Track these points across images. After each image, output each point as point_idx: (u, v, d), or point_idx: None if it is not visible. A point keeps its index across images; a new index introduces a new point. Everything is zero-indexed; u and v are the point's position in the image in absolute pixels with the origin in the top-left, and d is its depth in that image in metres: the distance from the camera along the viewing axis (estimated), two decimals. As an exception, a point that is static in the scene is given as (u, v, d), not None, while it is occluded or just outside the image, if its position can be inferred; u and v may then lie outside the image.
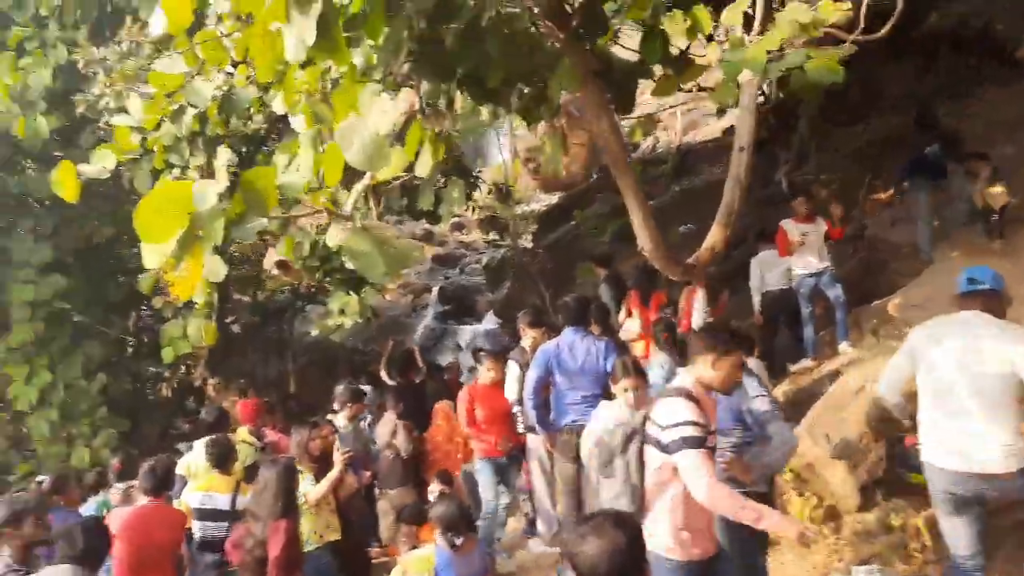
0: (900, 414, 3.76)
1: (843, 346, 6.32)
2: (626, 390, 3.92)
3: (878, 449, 4.65)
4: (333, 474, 4.59)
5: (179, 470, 5.31)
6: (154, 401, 10.89)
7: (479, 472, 5.61)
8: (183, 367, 10.57)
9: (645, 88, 3.79)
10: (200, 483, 4.82)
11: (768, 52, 2.99)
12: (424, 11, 2.17)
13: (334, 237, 3.18)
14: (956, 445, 3.24)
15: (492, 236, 15.25)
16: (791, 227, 6.54)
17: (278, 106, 3.74)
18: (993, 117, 8.09)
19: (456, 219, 17.62)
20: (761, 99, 4.43)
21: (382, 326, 13.83)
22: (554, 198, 18.31)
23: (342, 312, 8.70)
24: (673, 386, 2.98)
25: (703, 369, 2.93)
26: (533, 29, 2.86)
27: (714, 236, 3.75)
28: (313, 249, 7.47)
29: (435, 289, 16.97)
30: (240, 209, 1.92)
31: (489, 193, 13.32)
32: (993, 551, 3.69)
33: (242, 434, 5.68)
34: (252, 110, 5.69)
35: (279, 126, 7.45)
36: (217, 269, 2.39)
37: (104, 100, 5.63)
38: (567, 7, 2.89)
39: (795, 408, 5.48)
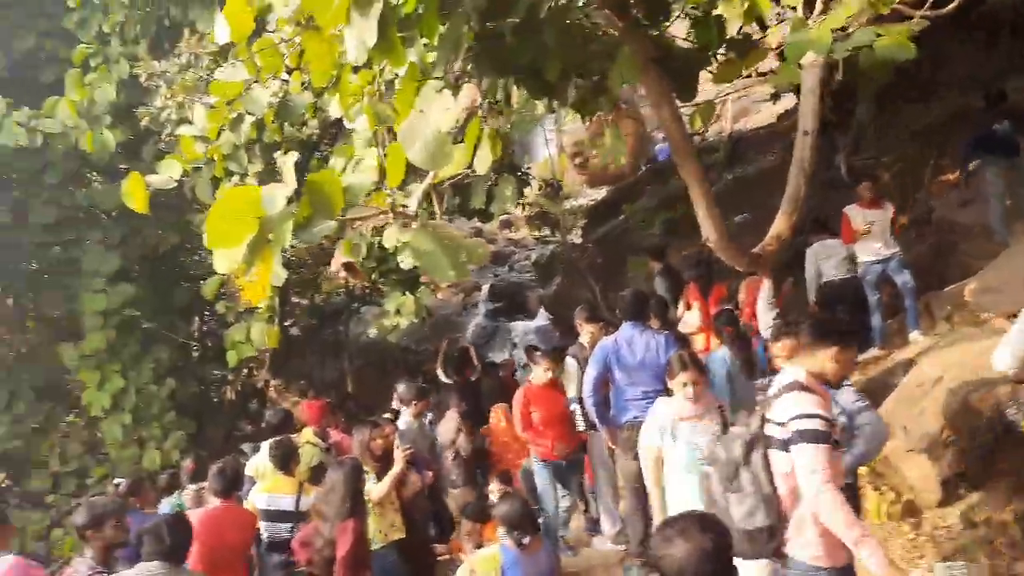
0: None
1: (914, 334, 6.07)
2: (684, 384, 3.82)
3: (960, 441, 4.44)
4: (394, 471, 4.62)
5: (248, 471, 5.43)
6: (218, 404, 11.21)
7: (537, 474, 5.56)
8: (246, 370, 10.84)
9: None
10: (265, 484, 4.90)
11: (832, 31, 2.87)
12: (480, 6, 2.15)
13: (392, 237, 3.19)
14: None
15: (541, 232, 15.22)
16: (855, 213, 6.31)
17: (334, 110, 3.78)
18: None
19: (504, 216, 17.63)
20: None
21: (434, 325, 13.95)
22: (602, 192, 18.19)
23: (398, 312, 8.78)
24: (784, 382, 2.84)
25: (822, 361, 2.79)
26: (588, 19, 2.81)
27: (780, 224, 3.64)
28: (370, 251, 7.55)
29: (485, 287, 17.01)
30: (307, 212, 1.93)
31: (540, 189, 13.30)
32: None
33: (307, 435, 5.76)
34: (307, 116, 5.78)
35: (332, 131, 7.56)
36: (279, 273, 2.42)
37: (166, 112, 5.80)
38: (627, -6, 2.81)
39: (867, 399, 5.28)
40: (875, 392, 5.38)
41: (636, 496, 4.88)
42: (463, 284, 17.38)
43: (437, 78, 2.29)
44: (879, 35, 2.88)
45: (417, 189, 2.43)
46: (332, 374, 13.17)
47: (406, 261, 4.31)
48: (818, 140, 3.72)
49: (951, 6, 3.01)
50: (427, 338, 14.70)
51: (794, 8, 3.14)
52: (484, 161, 2.81)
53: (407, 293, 8.78)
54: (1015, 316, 4.94)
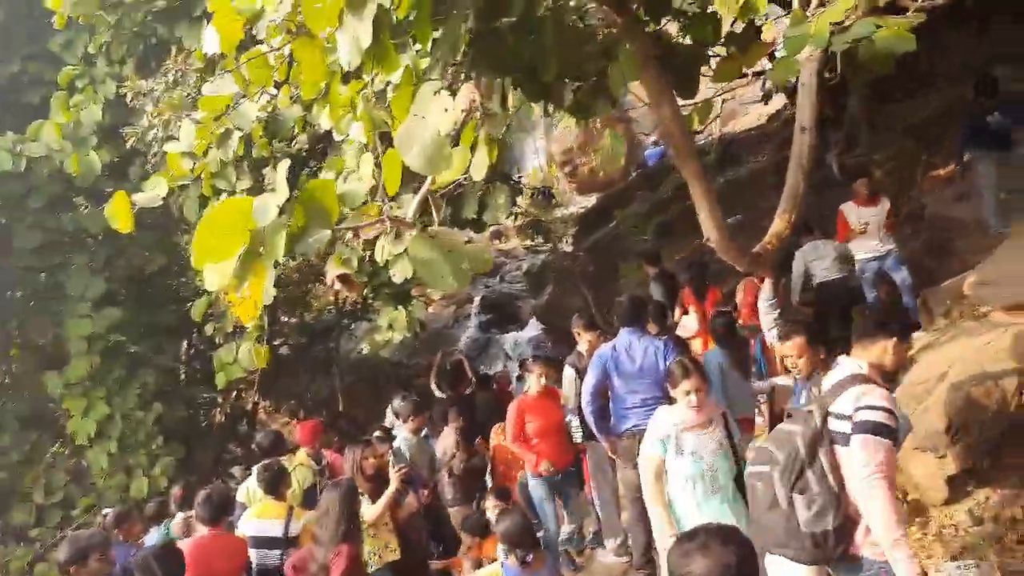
0: None
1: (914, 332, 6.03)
2: (687, 392, 3.68)
3: (966, 437, 4.39)
4: (389, 492, 4.52)
5: (239, 497, 5.29)
6: (207, 427, 11.02)
7: (532, 488, 5.42)
8: (235, 392, 10.67)
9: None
10: (255, 510, 4.75)
11: (831, 24, 2.82)
12: (478, 4, 2.08)
13: (384, 250, 3.09)
14: None
15: (532, 241, 15.17)
16: (851, 210, 6.28)
17: (324, 122, 3.70)
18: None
19: (494, 227, 17.60)
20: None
21: (425, 339, 13.82)
22: (591, 200, 18.19)
23: (390, 327, 8.67)
24: (844, 375, 2.75)
25: (879, 354, 2.73)
26: (584, 20, 2.75)
27: (779, 223, 3.57)
28: (360, 265, 7.45)
29: (476, 299, 16.94)
30: (302, 222, 1.84)
31: (532, 196, 13.29)
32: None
33: (301, 457, 5.63)
34: (296, 130, 5.70)
35: (321, 145, 7.48)
36: (267, 293, 2.32)
37: (152, 132, 5.70)
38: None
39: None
40: (878, 391, 5.33)
41: (638, 506, 4.77)
42: (455, 296, 17.30)
43: (434, 79, 2.21)
44: (878, 27, 2.84)
45: (414, 198, 2.35)
46: (323, 392, 13.01)
47: (398, 275, 4.22)
48: (816, 137, 3.67)
49: (948, -5, 2.97)
50: (419, 352, 14.58)
51: (789, 4, 3.10)
52: (480, 167, 2.74)
53: (399, 307, 8.67)
54: (1015, 309, 4.93)
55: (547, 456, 5.26)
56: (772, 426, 5.20)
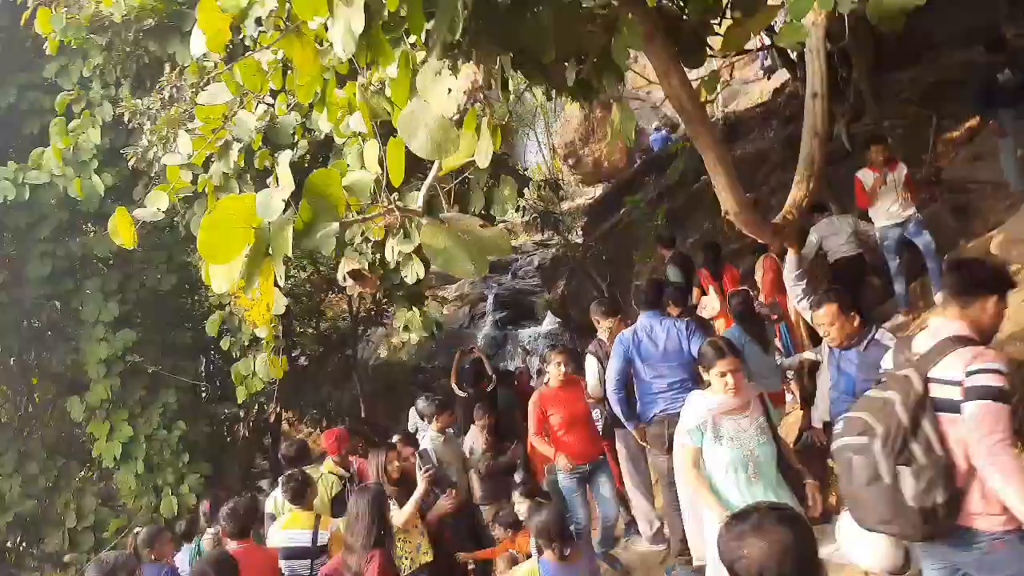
0: None
1: (939, 296, 5.88)
2: (722, 375, 3.42)
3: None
4: (417, 494, 4.46)
5: (268, 508, 5.25)
6: (232, 442, 11.04)
7: (561, 482, 5.21)
8: (257, 405, 10.68)
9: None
10: (283, 521, 4.71)
11: (838, -17, 2.72)
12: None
13: (394, 250, 3.03)
14: None
15: (541, 236, 15.08)
16: (868, 176, 6.14)
17: (324, 125, 3.64)
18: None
19: (502, 223, 17.54)
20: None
21: (442, 341, 13.78)
22: (598, 190, 18.07)
23: (406, 328, 8.59)
24: (941, 336, 2.53)
25: (977, 313, 2.51)
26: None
27: (797, 192, 3.48)
28: (371, 268, 7.40)
29: (490, 297, 16.91)
30: (308, 216, 1.77)
31: (540, 189, 13.21)
32: None
33: (328, 465, 5.58)
34: (296, 137, 5.65)
35: (322, 154, 7.43)
36: (278, 302, 2.26)
37: (152, 150, 5.66)
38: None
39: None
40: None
41: (671, 491, 4.66)
42: (468, 296, 17.28)
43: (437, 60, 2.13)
44: (886, -18, 2.74)
45: (421, 189, 2.27)
46: (345, 401, 13.00)
47: (410, 275, 4.15)
48: (829, 102, 3.57)
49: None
50: (437, 355, 14.54)
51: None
52: (486, 154, 2.65)
53: (413, 309, 8.61)
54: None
55: (572, 449, 5.08)
56: (804, 402, 5.08)
